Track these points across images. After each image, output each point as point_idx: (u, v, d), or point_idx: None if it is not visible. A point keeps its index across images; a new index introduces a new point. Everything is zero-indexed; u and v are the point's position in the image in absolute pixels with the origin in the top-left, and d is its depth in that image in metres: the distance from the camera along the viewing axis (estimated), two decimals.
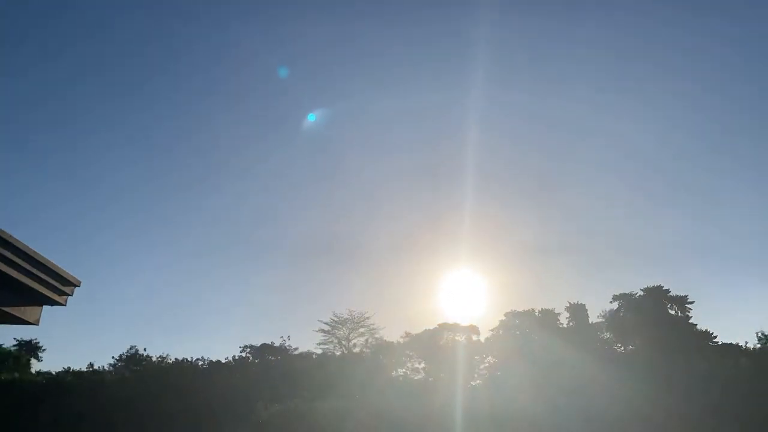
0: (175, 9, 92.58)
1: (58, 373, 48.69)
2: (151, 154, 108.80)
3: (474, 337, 66.47)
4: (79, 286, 6.26)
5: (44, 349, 66.92)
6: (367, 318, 71.39)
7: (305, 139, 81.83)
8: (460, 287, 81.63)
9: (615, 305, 66.53)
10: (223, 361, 56.05)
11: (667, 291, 65.67)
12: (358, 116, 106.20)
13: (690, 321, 64.43)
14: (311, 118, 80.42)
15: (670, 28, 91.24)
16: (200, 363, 52.90)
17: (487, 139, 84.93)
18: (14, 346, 64.08)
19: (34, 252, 5.45)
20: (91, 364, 53.64)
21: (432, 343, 64.89)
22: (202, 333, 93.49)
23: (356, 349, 70.79)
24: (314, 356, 61.49)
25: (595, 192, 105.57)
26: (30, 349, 65.26)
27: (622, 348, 62.47)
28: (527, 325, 66.51)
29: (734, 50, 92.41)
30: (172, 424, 39.61)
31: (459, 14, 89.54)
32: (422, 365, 65.72)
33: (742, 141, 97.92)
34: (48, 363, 68.08)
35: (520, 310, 68.74)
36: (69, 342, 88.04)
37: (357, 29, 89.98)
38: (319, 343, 70.83)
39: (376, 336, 70.72)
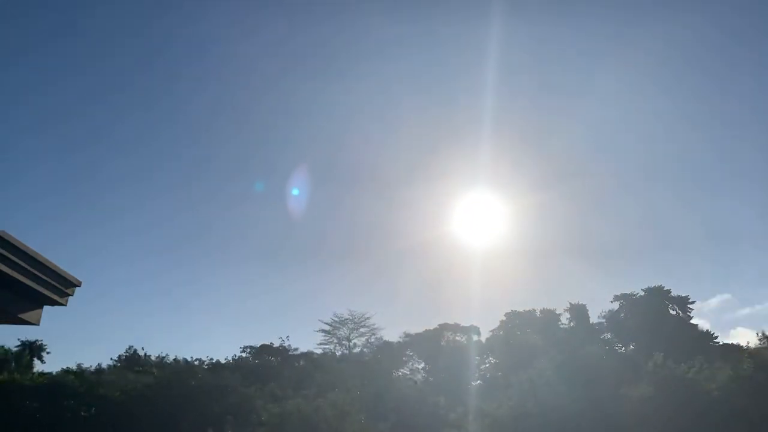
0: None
1: (58, 374, 48.65)
2: (152, 155, 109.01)
3: (475, 338, 66.43)
4: (80, 287, 6.23)
5: (48, 351, 66.78)
6: (368, 318, 71.42)
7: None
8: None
9: (616, 305, 66.54)
10: (223, 361, 56.03)
11: (668, 291, 65.61)
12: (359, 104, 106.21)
13: (691, 321, 64.43)
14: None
15: None
16: (200, 363, 52.85)
17: (491, 141, 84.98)
18: (17, 346, 64.04)
19: (35, 252, 5.43)
20: (91, 366, 53.71)
21: (432, 343, 64.81)
22: (202, 333, 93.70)
23: (356, 349, 70.84)
24: (315, 356, 61.46)
25: (597, 192, 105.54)
26: (33, 350, 65.13)
27: (623, 348, 62.38)
28: (528, 326, 66.49)
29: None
30: (172, 424, 39.55)
31: None
32: (422, 365, 65.73)
33: (745, 143, 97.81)
34: (50, 363, 68.05)
35: (521, 310, 68.77)
36: (70, 342, 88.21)
37: None
38: (320, 343, 70.88)
39: (377, 336, 70.83)
